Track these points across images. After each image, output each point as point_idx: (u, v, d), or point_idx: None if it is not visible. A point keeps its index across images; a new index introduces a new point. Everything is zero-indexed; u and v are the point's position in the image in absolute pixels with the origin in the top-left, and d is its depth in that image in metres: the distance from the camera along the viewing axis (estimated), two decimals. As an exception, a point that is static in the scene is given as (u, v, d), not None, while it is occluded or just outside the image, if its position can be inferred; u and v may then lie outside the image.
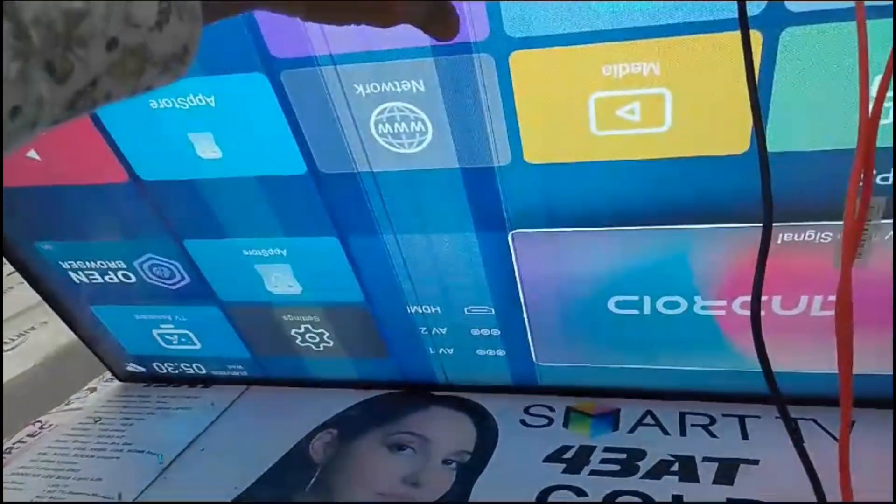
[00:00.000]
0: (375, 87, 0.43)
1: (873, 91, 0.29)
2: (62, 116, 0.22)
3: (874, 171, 0.41)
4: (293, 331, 0.63)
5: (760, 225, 0.35)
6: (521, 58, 0.40)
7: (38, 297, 0.71)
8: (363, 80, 0.43)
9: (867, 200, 0.31)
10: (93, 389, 0.76)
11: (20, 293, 0.94)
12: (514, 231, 0.50)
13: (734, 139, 0.41)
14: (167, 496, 0.57)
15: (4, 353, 0.86)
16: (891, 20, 0.33)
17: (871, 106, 0.29)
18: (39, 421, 0.72)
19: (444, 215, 0.50)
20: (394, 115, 0.44)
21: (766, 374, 0.35)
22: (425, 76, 0.42)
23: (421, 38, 0.40)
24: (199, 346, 0.68)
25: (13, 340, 0.89)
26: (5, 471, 0.64)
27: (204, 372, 0.71)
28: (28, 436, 0.69)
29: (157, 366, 0.72)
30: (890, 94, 0.37)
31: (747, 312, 0.50)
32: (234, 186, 0.51)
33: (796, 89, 0.39)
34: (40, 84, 0.20)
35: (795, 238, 0.46)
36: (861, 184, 0.30)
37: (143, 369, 0.73)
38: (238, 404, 0.69)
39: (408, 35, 0.40)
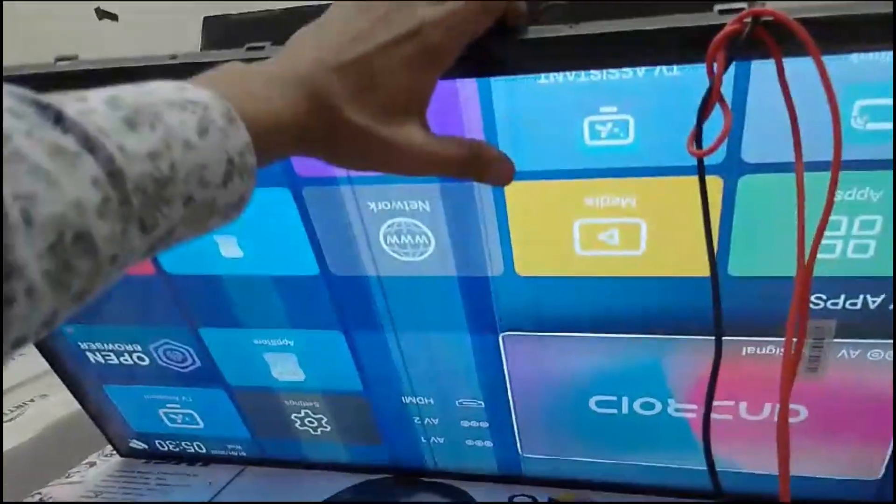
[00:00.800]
0: (386, 205, 0.49)
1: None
2: (142, 258, 0.27)
3: (825, 297, 0.46)
4: (293, 415, 0.66)
5: (726, 338, 0.40)
6: (515, 188, 0.45)
7: (37, 370, 0.73)
8: (376, 198, 0.49)
9: (804, 329, 0.36)
10: (92, 464, 0.78)
11: (20, 365, 0.95)
12: (504, 333, 0.54)
13: (700, 263, 0.47)
14: None
15: (4, 424, 0.88)
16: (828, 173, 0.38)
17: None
18: (39, 493, 0.73)
19: (441, 317, 0.54)
20: (401, 228, 0.50)
21: (710, 472, 0.39)
22: (430, 197, 0.48)
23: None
24: (201, 425, 0.71)
25: (12, 412, 0.90)
26: None
27: (204, 451, 0.74)
28: None
29: (160, 443, 0.75)
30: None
31: (716, 416, 0.55)
32: (252, 283, 0.56)
33: (754, 224, 0.44)
34: (134, 238, 0.25)
35: (758, 351, 0.50)
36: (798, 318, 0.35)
37: (145, 445, 0.75)
38: (235, 483, 0.72)
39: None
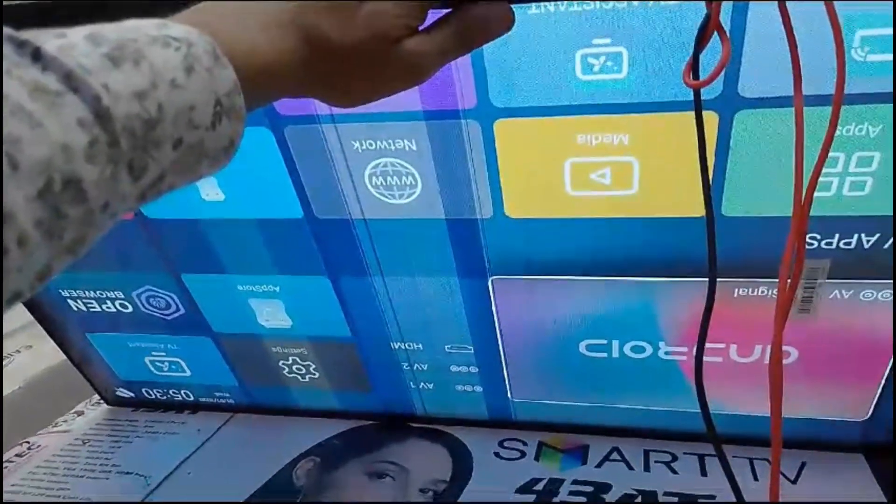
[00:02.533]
0: (371, 144, 0.47)
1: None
2: (134, 206, 0.26)
3: (819, 237, 0.46)
4: (281, 362, 0.66)
5: (718, 280, 0.39)
6: (504, 125, 0.44)
7: (21, 322, 0.72)
8: (360, 137, 0.47)
9: (800, 269, 0.35)
10: (80, 413, 0.78)
11: (4, 317, 0.95)
12: (493, 277, 0.54)
13: (694, 203, 0.46)
14: None
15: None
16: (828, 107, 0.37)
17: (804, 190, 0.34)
18: (27, 441, 0.73)
19: (429, 261, 0.53)
20: (387, 169, 0.48)
21: (703, 413, 0.39)
22: (417, 137, 0.46)
23: (415, 102, 0.45)
24: (189, 373, 0.70)
25: None
26: None
27: (192, 398, 0.74)
28: (16, 455, 0.71)
29: (147, 391, 0.74)
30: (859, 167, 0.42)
31: (709, 359, 0.55)
32: (234, 227, 0.55)
33: (749, 162, 0.43)
34: (124, 183, 0.24)
35: (750, 293, 0.50)
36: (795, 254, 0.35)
37: (132, 394, 0.75)
38: (224, 431, 0.72)
39: (403, 100, 0.44)
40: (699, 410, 0.55)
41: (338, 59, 0.31)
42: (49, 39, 0.22)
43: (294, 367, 0.66)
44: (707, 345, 0.54)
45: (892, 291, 0.47)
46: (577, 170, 0.46)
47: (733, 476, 0.40)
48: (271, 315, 0.61)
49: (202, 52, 0.26)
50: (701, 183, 0.37)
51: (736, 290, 0.50)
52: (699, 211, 0.46)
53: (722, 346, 0.54)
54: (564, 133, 0.44)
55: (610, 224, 0.48)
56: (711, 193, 0.42)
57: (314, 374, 0.66)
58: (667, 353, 0.56)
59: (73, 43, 0.23)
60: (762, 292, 0.50)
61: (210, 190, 0.52)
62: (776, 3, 0.33)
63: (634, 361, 0.57)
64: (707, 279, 0.39)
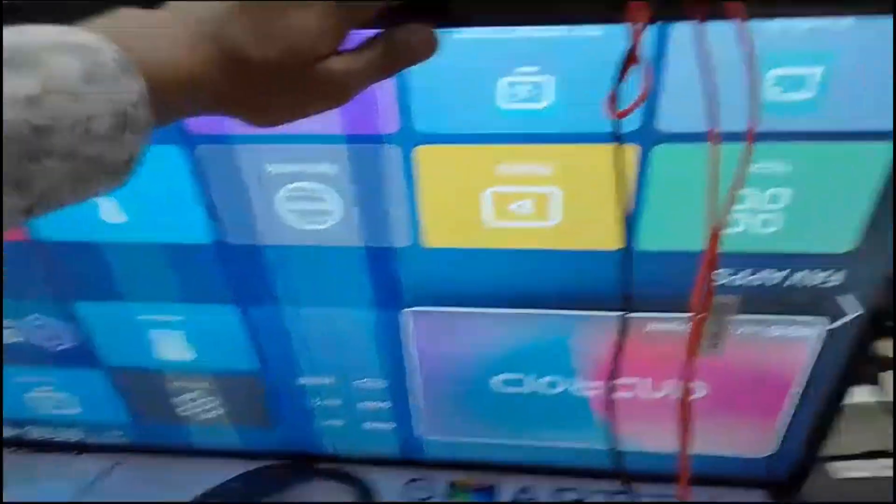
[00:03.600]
0: (287, 167, 0.45)
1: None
2: (19, 220, 0.24)
3: (730, 273, 0.47)
4: (179, 398, 0.62)
5: (631, 314, 0.39)
6: (426, 151, 0.44)
7: None
8: (276, 159, 0.45)
9: (710, 304, 0.36)
10: (-50, 454, 0.70)
11: None
12: (409, 309, 0.52)
13: (612, 236, 0.46)
14: None
15: None
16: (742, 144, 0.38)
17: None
18: None
19: (343, 290, 0.52)
20: (303, 194, 0.46)
21: (614, 452, 0.39)
22: (336, 160, 0.45)
23: (334, 125, 0.44)
24: (78, 410, 0.65)
25: None
26: None
27: (80, 438, 0.68)
28: None
29: (29, 430, 0.68)
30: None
31: (621, 394, 0.55)
32: (136, 251, 0.51)
33: (666, 197, 0.44)
34: (9, 196, 0.22)
35: (663, 327, 0.51)
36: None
37: (13, 433, 0.68)
38: (115, 473, 0.67)
39: (322, 122, 0.43)
40: (609, 448, 0.56)
41: (256, 76, 0.30)
42: None
43: (194, 403, 0.62)
44: (619, 380, 0.54)
45: (797, 327, 0.49)
46: (498, 199, 0.45)
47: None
48: (172, 347, 0.57)
49: (108, 60, 0.25)
50: (620, 216, 0.37)
51: (649, 324, 0.51)
52: (616, 244, 0.47)
53: (634, 381, 0.54)
54: (486, 161, 0.44)
55: (529, 256, 0.48)
56: (629, 227, 0.42)
57: (216, 411, 0.62)
58: (580, 388, 0.55)
59: None
60: (674, 327, 0.51)
61: (111, 211, 0.49)
62: (696, 42, 0.34)
63: (548, 397, 0.56)
64: (627, 314, 0.40)
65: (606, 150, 0.40)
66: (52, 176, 0.24)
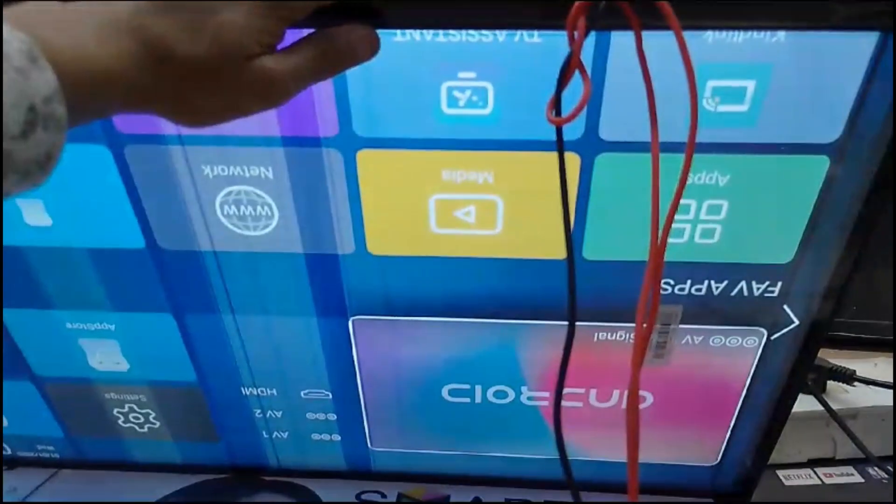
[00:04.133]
0: (223, 170, 0.44)
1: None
2: None
3: (672, 283, 0.47)
4: (116, 410, 0.59)
5: (578, 323, 0.39)
6: (367, 156, 0.42)
7: None
8: (211, 161, 0.43)
9: (655, 314, 0.35)
10: None
11: None
12: (354, 317, 0.51)
13: (557, 245, 0.46)
14: None
15: None
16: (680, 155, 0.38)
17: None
18: None
19: (285, 298, 0.50)
20: (240, 197, 0.45)
21: (562, 461, 0.38)
22: (274, 163, 0.43)
23: (272, 127, 0.42)
24: (5, 423, 0.62)
25: None
26: None
27: (8, 452, 0.65)
28: None
29: (-48, 445, 0.65)
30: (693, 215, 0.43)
31: (568, 404, 0.54)
32: (63, 256, 0.49)
33: (610, 206, 0.44)
34: None
35: (609, 337, 0.50)
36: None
37: (-68, 449, 0.65)
38: (44, 489, 0.64)
39: (259, 123, 0.42)
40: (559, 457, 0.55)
41: (183, 73, 0.29)
42: None
43: (131, 416, 0.60)
44: (567, 390, 0.54)
45: (739, 337, 0.49)
46: (442, 206, 0.44)
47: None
48: (105, 357, 0.55)
49: (14, 51, 0.23)
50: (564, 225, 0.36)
51: (596, 334, 0.50)
52: (562, 253, 0.46)
53: (582, 391, 0.54)
54: (429, 167, 0.43)
55: (474, 264, 0.47)
56: (573, 236, 0.42)
57: (154, 424, 0.60)
58: (529, 398, 0.55)
59: None
60: (620, 337, 0.50)
61: (35, 214, 0.46)
62: (636, 51, 0.33)
63: (497, 407, 0.56)
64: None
65: (550, 157, 0.39)
66: None
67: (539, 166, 0.42)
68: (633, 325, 0.48)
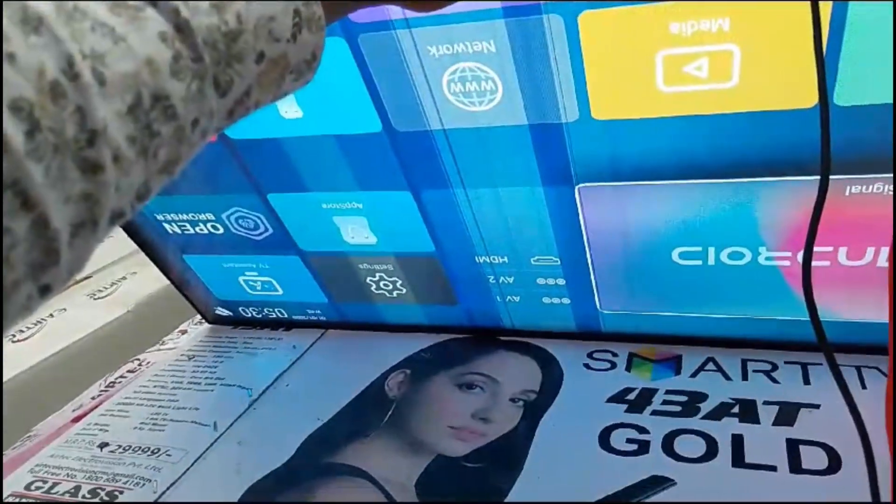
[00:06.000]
0: (448, 49, 0.45)
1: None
2: (223, 125, 0.26)
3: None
4: (368, 279, 0.66)
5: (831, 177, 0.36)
6: (589, 17, 0.41)
7: (128, 250, 0.75)
8: (436, 41, 0.45)
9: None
10: (184, 332, 0.82)
11: (111, 246, 1.01)
12: (580, 185, 0.51)
13: (802, 93, 0.42)
14: (257, 426, 0.62)
15: (101, 300, 0.93)
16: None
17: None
18: (138, 359, 0.78)
19: (512, 170, 0.52)
20: (465, 74, 0.46)
21: (813, 322, 0.37)
22: (496, 37, 0.44)
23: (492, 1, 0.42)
24: (281, 291, 0.72)
25: (107, 289, 0.96)
26: (111, 401, 0.70)
27: (285, 316, 0.76)
28: (128, 371, 0.76)
29: (243, 310, 0.77)
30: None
31: (815, 263, 0.51)
32: (314, 144, 0.54)
33: (866, 45, 0.39)
34: (211, 99, 0.23)
35: (864, 190, 0.46)
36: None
37: (230, 313, 0.78)
38: (317, 346, 0.74)
39: (479, -2, 0.42)
40: (801, 318, 0.53)
41: None
42: None
43: (381, 284, 0.67)
44: (814, 249, 0.50)
45: None
46: (670, 63, 0.42)
47: (845, 384, 0.38)
48: (356, 232, 0.61)
49: None
50: (815, 68, 0.33)
51: (848, 187, 0.46)
52: (808, 102, 0.42)
53: (830, 249, 0.50)
54: (656, 22, 0.40)
55: (706, 122, 0.45)
56: (824, 80, 0.38)
57: (401, 290, 0.67)
58: (768, 258, 0.52)
59: None
60: (877, 189, 0.45)
61: (289, 107, 0.52)
62: None
63: (732, 269, 0.54)
64: (816, 177, 0.36)
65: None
66: (246, 79, 0.25)
67: (781, 5, 0.38)
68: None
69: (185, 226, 0.67)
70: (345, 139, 0.53)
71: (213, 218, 0.65)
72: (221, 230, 0.66)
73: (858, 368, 0.55)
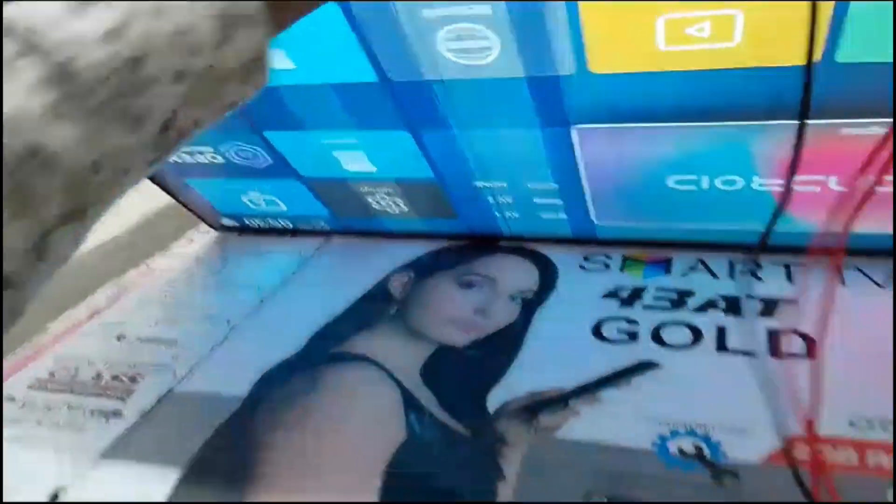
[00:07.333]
0: (443, 11, 0.43)
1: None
2: (154, 156, 0.23)
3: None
4: (369, 198, 0.68)
5: (823, 121, 0.36)
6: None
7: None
8: (429, 3, 0.43)
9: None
10: (191, 240, 0.83)
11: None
12: (577, 125, 0.51)
13: (802, 51, 0.41)
14: (267, 323, 0.64)
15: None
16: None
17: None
18: (146, 264, 0.79)
19: (509, 116, 0.51)
20: (462, 34, 0.45)
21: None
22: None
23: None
24: (284, 208, 0.73)
25: None
26: (124, 300, 0.71)
27: (290, 225, 0.78)
28: (139, 276, 0.77)
29: (248, 221, 0.79)
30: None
31: (802, 189, 0.53)
32: (309, 91, 0.53)
33: (870, 8, 0.38)
34: (114, 134, 0.21)
35: (861, 132, 0.46)
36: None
37: (236, 223, 0.80)
38: (323, 250, 0.76)
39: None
40: (791, 231, 0.54)
41: None
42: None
43: (382, 202, 0.68)
44: (804, 177, 0.52)
45: None
46: (672, 26, 0.41)
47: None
48: (356, 162, 0.62)
49: None
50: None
51: (844, 129, 0.46)
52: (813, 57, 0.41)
53: (821, 177, 0.52)
54: (657, -9, 0.39)
55: (704, 76, 0.44)
56: (826, 39, 0.37)
57: (404, 208, 0.68)
58: (760, 184, 0.54)
59: None
60: (874, 131, 0.46)
61: (279, 60, 0.50)
62: None
63: (725, 192, 0.55)
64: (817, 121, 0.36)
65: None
66: (166, 103, 0.22)
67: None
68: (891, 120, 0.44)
69: (182, 156, 0.66)
70: (340, 88, 0.52)
71: (212, 150, 0.65)
72: (221, 160, 0.66)
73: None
